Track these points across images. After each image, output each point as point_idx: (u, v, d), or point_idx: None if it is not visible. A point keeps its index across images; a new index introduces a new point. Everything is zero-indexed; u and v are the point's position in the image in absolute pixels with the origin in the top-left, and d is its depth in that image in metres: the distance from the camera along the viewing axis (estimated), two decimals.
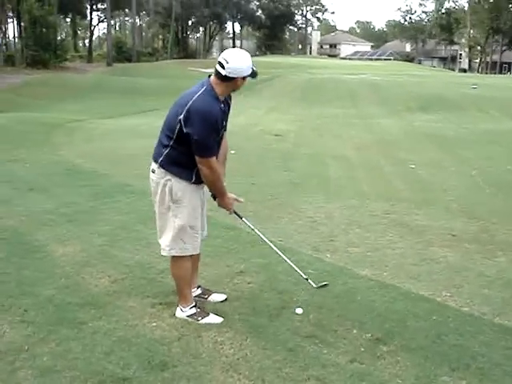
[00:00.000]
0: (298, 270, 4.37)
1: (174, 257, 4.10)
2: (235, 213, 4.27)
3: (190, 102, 3.74)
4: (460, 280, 5.12)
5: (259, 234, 4.41)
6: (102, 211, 7.16)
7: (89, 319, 4.10)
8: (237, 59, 3.79)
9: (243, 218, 4.33)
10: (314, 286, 4.27)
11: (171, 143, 3.88)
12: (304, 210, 7.44)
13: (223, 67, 3.76)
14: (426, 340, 3.92)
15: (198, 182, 3.97)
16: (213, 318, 4.12)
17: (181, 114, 3.74)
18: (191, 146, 3.79)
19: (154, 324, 4.04)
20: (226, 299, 4.47)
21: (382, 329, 4.06)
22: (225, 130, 4.09)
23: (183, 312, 4.16)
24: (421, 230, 6.71)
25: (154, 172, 4.00)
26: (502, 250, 6.01)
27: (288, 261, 4.41)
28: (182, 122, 3.74)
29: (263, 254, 5.45)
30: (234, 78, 3.80)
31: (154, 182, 4.00)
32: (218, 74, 3.80)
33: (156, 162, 3.97)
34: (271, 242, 5.94)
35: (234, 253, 5.26)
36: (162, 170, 3.94)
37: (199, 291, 4.50)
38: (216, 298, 4.48)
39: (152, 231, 6.12)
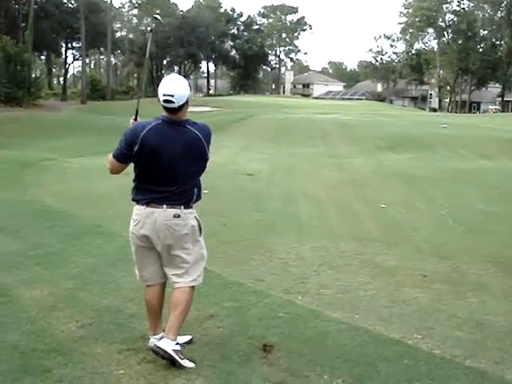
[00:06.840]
0: None
1: (193, 287, 4.20)
2: None
3: None
4: (431, 322, 5.11)
5: None
6: (71, 253, 7.04)
7: (54, 366, 3.99)
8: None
9: None
10: None
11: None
12: (276, 250, 7.41)
13: None
14: None
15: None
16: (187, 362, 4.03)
17: None
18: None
19: (122, 371, 3.94)
20: (191, 339, 4.39)
21: (353, 374, 4.02)
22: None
23: (175, 343, 4.02)
24: (392, 270, 6.72)
25: (178, 217, 4.01)
26: (473, 291, 6.03)
27: None
28: None
29: (234, 298, 5.40)
30: None
31: (180, 226, 4.02)
32: None
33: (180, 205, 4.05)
34: (242, 284, 5.92)
35: (204, 296, 5.19)
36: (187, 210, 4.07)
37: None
38: (182, 339, 4.30)
39: (121, 274, 6.08)
